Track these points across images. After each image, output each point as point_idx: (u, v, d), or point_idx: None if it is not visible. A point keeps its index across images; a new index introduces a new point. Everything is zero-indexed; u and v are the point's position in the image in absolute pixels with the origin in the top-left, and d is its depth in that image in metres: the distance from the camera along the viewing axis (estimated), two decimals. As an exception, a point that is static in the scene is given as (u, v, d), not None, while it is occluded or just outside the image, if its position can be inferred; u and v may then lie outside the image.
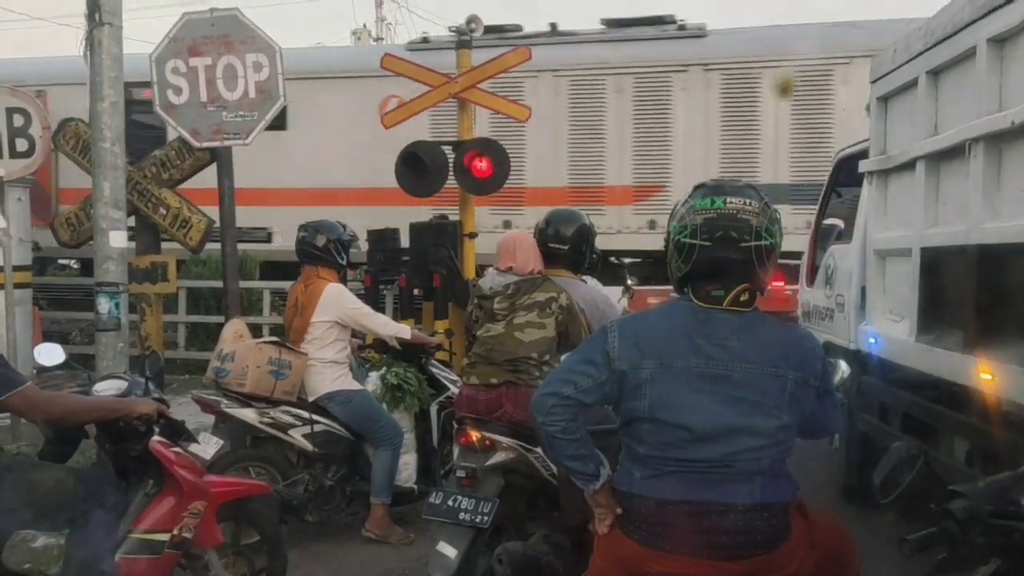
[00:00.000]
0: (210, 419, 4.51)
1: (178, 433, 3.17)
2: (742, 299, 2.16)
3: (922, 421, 4.14)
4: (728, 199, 2.13)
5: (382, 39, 22.85)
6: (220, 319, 8.18)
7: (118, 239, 5.78)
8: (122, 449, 2.97)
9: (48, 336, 8.02)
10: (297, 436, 4.48)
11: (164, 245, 7.81)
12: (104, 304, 5.71)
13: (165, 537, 2.98)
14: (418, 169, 6.96)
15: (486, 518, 3.26)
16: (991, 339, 3.30)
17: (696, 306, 2.18)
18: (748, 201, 2.14)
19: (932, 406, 3.98)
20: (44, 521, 2.76)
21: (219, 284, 8.03)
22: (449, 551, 3.25)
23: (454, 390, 4.76)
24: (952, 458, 3.82)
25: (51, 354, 3.32)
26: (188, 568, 3.26)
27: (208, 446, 3.89)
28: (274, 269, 9.96)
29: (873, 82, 4.81)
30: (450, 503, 3.34)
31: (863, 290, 4.95)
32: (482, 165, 6.91)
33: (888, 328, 4.47)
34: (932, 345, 3.83)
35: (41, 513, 2.66)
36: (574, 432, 2.18)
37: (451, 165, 7.04)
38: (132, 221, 7.04)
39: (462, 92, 7.26)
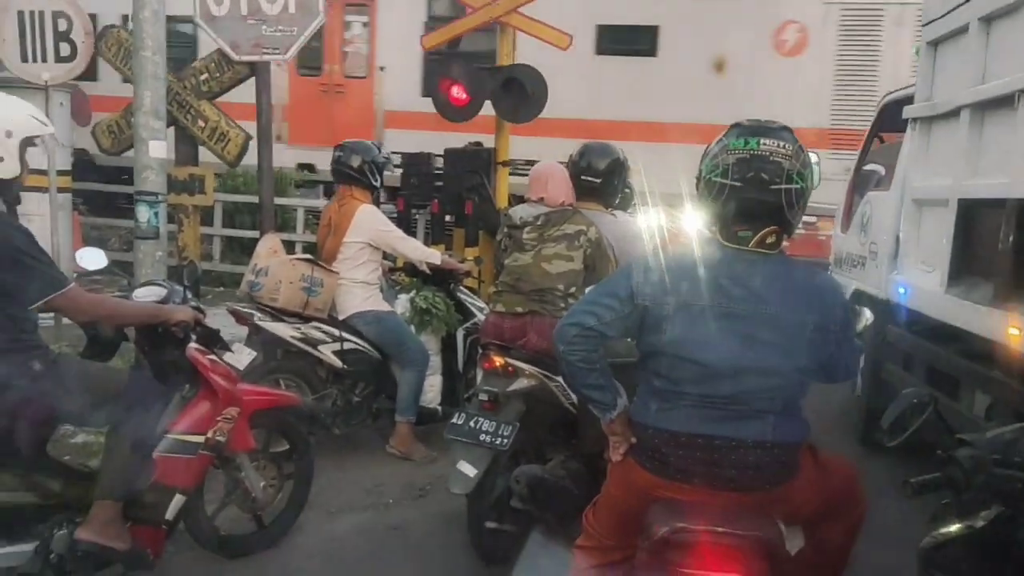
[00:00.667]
0: (244, 331, 4.63)
1: (214, 342, 3.28)
2: (768, 241, 2.18)
3: (946, 373, 4.16)
4: (762, 140, 2.13)
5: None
6: (255, 234, 8.31)
7: (158, 149, 5.83)
8: (160, 354, 3.07)
9: (88, 242, 8.21)
10: (327, 352, 4.61)
11: (201, 158, 7.90)
12: (143, 212, 5.81)
13: (200, 439, 3.12)
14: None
15: (506, 440, 3.35)
16: (1022, 295, 3.28)
17: (723, 245, 2.20)
18: (782, 144, 2.13)
19: (956, 359, 3.99)
20: (87, 416, 2.90)
21: (255, 199, 8.14)
22: (469, 470, 3.36)
23: (480, 317, 4.85)
24: (972, 411, 3.85)
25: (93, 258, 3.40)
26: (221, 469, 3.43)
27: (242, 356, 4.03)
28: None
29: (924, 25, 4.68)
30: (472, 424, 3.43)
31: (897, 239, 4.91)
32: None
33: (919, 278, 4.45)
34: (961, 297, 3.82)
35: (84, 408, 2.78)
36: (594, 362, 2.24)
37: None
38: (172, 132, 7.10)
39: (504, 16, 7.13)
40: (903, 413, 2.05)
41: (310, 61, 10.97)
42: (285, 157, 10.14)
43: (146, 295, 3.20)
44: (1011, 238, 3.41)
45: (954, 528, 1.98)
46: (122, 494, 2.83)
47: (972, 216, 3.90)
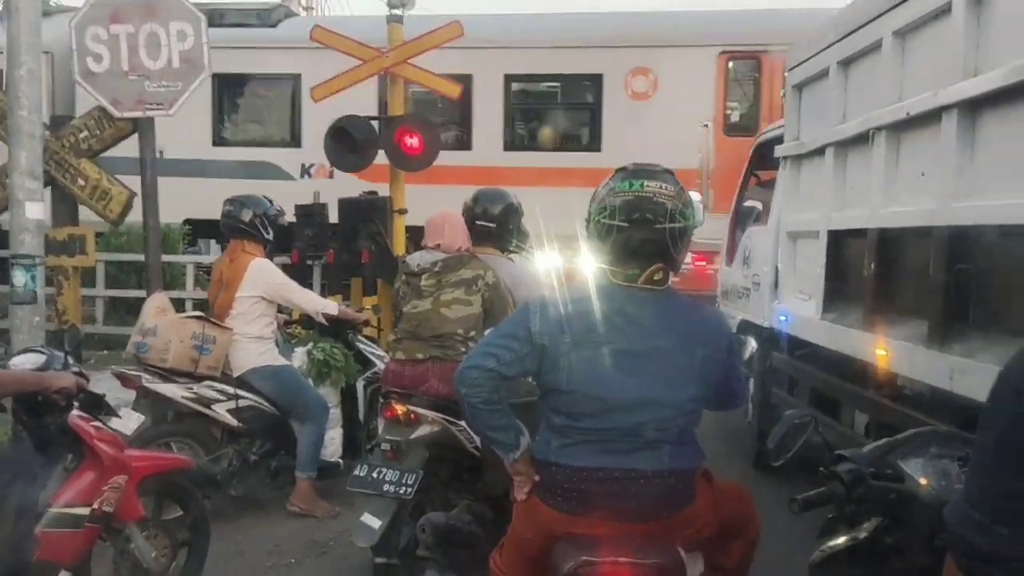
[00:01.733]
0: (131, 395, 4.44)
1: (98, 407, 3.14)
2: (656, 278, 2.27)
3: (826, 394, 4.39)
4: (646, 183, 2.23)
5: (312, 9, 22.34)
6: (141, 293, 8.02)
7: (35, 210, 5.58)
8: (41, 423, 2.91)
9: (-42, 310, 7.72)
10: (221, 411, 4.47)
11: (82, 217, 7.59)
12: (20, 277, 5.51)
13: (85, 511, 2.96)
14: (347, 144, 6.91)
15: (410, 489, 3.33)
16: (886, 317, 3.52)
17: (614, 284, 2.28)
18: (664, 185, 2.24)
19: (835, 380, 4.22)
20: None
21: (140, 258, 7.85)
22: (373, 522, 3.31)
23: (380, 366, 4.80)
24: (853, 429, 4.07)
25: (-35, 327, 3.23)
26: (110, 542, 3.25)
27: (129, 421, 3.87)
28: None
29: (789, 70, 5.01)
30: (375, 475, 3.39)
31: (776, 270, 5.18)
32: (412, 141, 6.90)
33: (797, 306, 4.70)
34: (835, 322, 4.06)
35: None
36: (496, 403, 2.27)
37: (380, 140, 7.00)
38: (49, 192, 6.80)
39: (393, 67, 7.22)
40: (786, 434, 2.16)
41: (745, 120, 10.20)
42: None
43: (24, 362, 3.05)
44: (873, 265, 3.66)
45: (840, 540, 2.09)
46: (3, 573, 2.65)
47: (841, 246, 4.17)
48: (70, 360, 3.12)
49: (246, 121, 11.89)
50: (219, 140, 11.33)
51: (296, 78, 10.71)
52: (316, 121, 9.04)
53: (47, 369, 2.99)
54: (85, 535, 2.98)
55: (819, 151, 4.45)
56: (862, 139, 3.85)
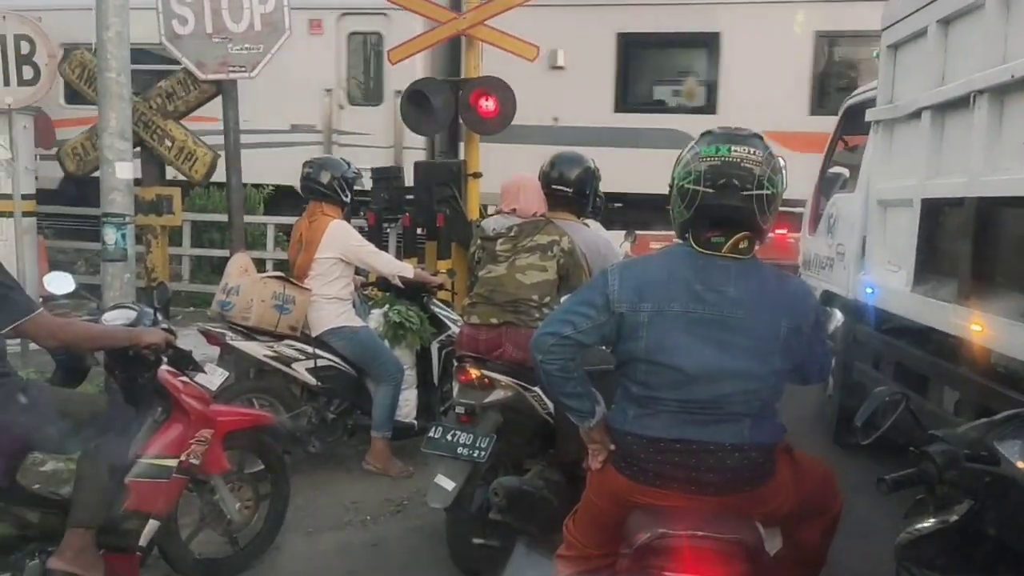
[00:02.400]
0: (215, 351, 4.58)
1: (185, 363, 3.23)
2: (741, 246, 2.20)
3: (914, 371, 4.22)
4: (733, 147, 2.16)
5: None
6: (224, 253, 8.24)
7: (124, 170, 5.76)
8: (131, 377, 3.02)
9: (54, 266, 8.08)
10: (300, 370, 4.57)
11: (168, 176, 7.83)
12: (111, 235, 5.73)
13: (173, 463, 3.08)
14: (424, 107, 6.92)
15: (483, 453, 3.35)
16: (984, 291, 3.35)
17: (696, 252, 2.22)
18: (752, 150, 2.16)
19: (924, 356, 4.06)
20: (59, 443, 2.85)
21: (224, 218, 8.06)
22: (447, 483, 3.35)
23: (455, 329, 4.84)
24: (941, 407, 3.91)
25: (61, 283, 3.35)
26: (196, 493, 3.38)
27: (214, 377, 3.98)
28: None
29: (884, 29, 4.77)
30: (449, 438, 3.43)
31: (864, 240, 4.99)
32: (488, 104, 6.86)
33: (885, 278, 4.52)
34: (927, 295, 3.89)
35: (56, 435, 2.73)
36: (572, 371, 2.24)
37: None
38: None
39: (470, 29, 7.17)
40: (876, 411, 2.08)
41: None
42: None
43: (116, 318, 3.16)
44: (971, 236, 3.48)
45: (928, 523, 2.01)
46: (95, 521, 2.78)
47: (936, 215, 3.98)
48: (159, 317, 3.22)
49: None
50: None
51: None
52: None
53: (137, 325, 3.09)
54: (173, 486, 3.10)
55: (915, 115, 4.23)
56: (962, 102, 3.64)
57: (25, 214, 6.63)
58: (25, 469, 3.24)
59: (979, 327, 3.29)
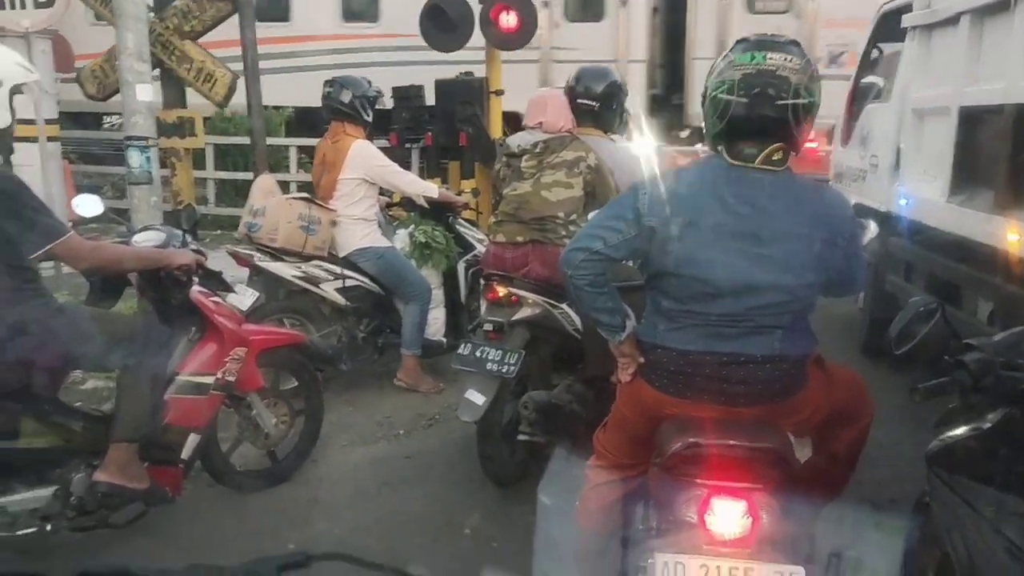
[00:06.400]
0: (244, 273, 4.63)
1: (216, 284, 3.28)
2: (775, 158, 2.14)
3: (947, 281, 4.17)
4: (768, 55, 2.08)
5: None
6: (248, 175, 8.24)
7: (144, 92, 5.73)
8: (164, 298, 3.07)
9: (80, 190, 8.12)
10: (329, 290, 4.62)
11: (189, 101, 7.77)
12: (135, 157, 5.73)
13: (210, 379, 3.15)
14: (442, 23, 6.75)
15: (512, 368, 3.39)
16: (1021, 200, 3.27)
17: (728, 164, 2.16)
18: (789, 58, 2.08)
19: (957, 266, 4.00)
20: (99, 360, 2.92)
21: (246, 140, 8.02)
22: (477, 398, 3.40)
23: (481, 248, 4.84)
24: (975, 318, 3.88)
25: (90, 205, 3.37)
26: (233, 408, 3.47)
27: (244, 297, 4.04)
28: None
29: (924, -71, 4.55)
30: (478, 354, 3.46)
31: (898, 150, 4.87)
32: (509, 19, 6.68)
33: (920, 188, 4.43)
34: (963, 206, 3.81)
35: (96, 353, 2.79)
36: (602, 286, 2.23)
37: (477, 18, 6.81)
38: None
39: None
40: (911, 320, 2.06)
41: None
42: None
43: (146, 240, 3.19)
44: (1010, 144, 3.38)
45: (961, 431, 2.01)
46: (138, 435, 2.87)
47: (973, 124, 3.87)
48: (188, 238, 3.25)
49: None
50: None
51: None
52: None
53: (167, 246, 3.12)
54: (210, 401, 3.18)
55: (952, 20, 4.07)
56: (1003, 5, 3.49)
57: (49, 139, 6.63)
58: (65, 388, 3.34)
59: (1016, 236, 3.23)
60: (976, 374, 1.83)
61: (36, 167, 6.31)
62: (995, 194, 3.51)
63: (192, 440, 3.09)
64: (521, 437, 3.49)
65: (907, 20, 4.77)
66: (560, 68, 9.30)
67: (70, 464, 2.84)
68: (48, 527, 2.77)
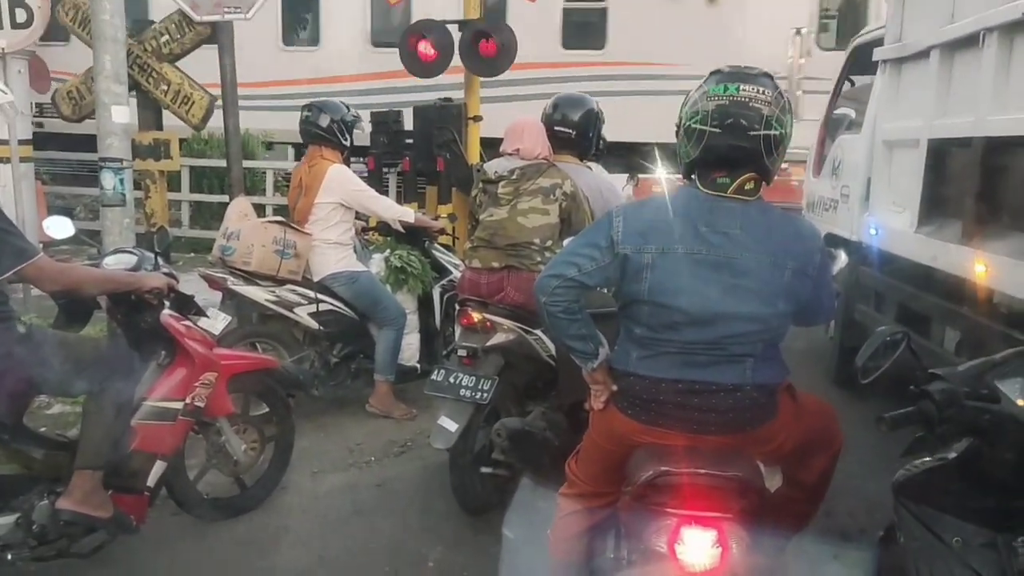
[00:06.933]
0: (217, 296, 4.59)
1: (188, 307, 3.24)
2: (747, 188, 2.17)
3: (916, 311, 4.23)
4: (741, 86, 2.11)
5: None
6: (224, 198, 8.20)
7: (120, 114, 5.69)
8: (134, 321, 3.03)
9: (52, 211, 8.04)
10: (303, 314, 4.58)
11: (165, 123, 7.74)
12: (109, 179, 5.68)
13: (179, 405, 3.11)
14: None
15: (486, 395, 3.38)
16: (988, 232, 3.33)
17: (701, 193, 2.19)
18: (761, 89, 2.11)
19: (926, 296, 4.05)
20: (64, 385, 2.86)
21: (222, 163, 7.99)
22: (450, 424, 3.38)
23: (456, 274, 4.83)
24: (943, 347, 3.92)
25: (60, 227, 3.33)
26: (201, 434, 3.42)
27: (217, 321, 3.99)
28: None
29: (893, -34, 4.65)
30: (451, 380, 3.45)
31: (868, 181, 4.95)
32: (489, 46, 6.72)
33: (890, 219, 4.49)
34: (931, 236, 3.87)
35: (61, 377, 2.74)
36: (576, 313, 2.24)
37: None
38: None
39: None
40: (877, 350, 2.07)
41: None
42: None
43: (117, 263, 3.14)
44: (978, 177, 3.44)
45: (927, 461, 2.02)
46: (102, 462, 2.81)
47: (942, 156, 3.94)
48: (160, 261, 3.21)
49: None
50: None
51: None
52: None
53: (138, 269, 3.08)
54: (178, 428, 3.13)
55: (923, 54, 4.15)
56: (972, 41, 3.57)
57: (22, 159, 6.57)
58: (31, 412, 3.28)
59: (983, 267, 3.28)
60: (941, 404, 1.84)
61: (8, 187, 6.25)
62: (963, 225, 3.57)
63: (158, 467, 3.04)
64: (484, 470, 3.47)
65: (879, 54, 4.87)
66: (811, 99, 8.07)
67: (32, 491, 2.78)
68: (8, 556, 2.71)
